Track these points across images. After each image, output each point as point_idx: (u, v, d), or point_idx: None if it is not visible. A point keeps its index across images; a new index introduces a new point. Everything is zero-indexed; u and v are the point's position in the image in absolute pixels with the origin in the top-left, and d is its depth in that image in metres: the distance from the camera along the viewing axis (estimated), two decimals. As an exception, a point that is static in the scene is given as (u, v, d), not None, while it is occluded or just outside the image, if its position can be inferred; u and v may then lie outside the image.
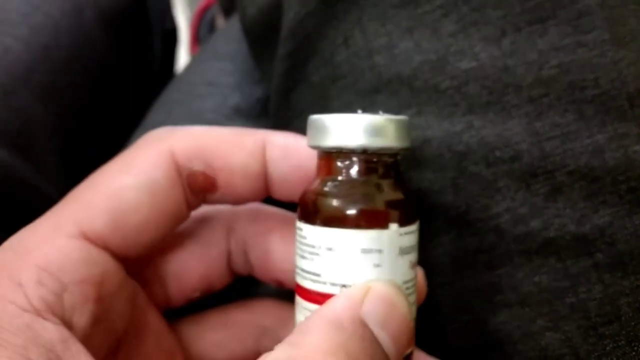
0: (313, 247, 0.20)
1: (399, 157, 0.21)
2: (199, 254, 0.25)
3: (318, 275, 0.20)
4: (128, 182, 0.21)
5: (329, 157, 0.21)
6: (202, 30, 0.73)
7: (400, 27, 0.25)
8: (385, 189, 0.20)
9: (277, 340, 0.19)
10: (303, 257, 0.20)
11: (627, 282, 0.22)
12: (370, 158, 0.20)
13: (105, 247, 0.21)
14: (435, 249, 0.25)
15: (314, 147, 0.21)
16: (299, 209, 0.21)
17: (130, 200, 0.21)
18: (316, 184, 0.21)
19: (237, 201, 0.24)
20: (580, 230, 0.22)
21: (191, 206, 0.23)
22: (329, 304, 0.18)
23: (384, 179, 0.20)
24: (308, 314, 0.20)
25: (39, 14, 0.38)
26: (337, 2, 0.27)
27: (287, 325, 0.25)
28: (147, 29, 0.53)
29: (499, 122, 0.23)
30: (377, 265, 0.19)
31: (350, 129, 0.20)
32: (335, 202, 0.20)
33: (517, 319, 0.23)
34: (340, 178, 0.20)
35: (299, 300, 0.21)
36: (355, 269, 0.19)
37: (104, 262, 0.21)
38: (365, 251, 0.19)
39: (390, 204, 0.20)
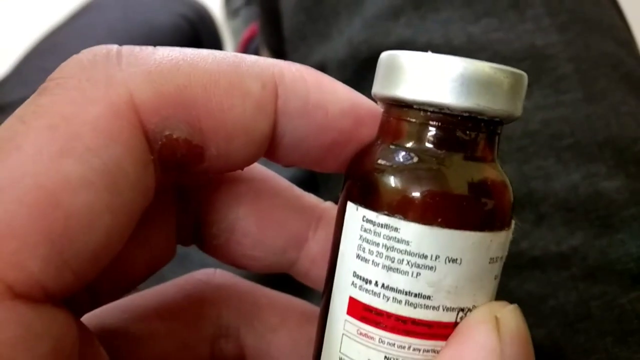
0: (424, 257, 0.14)
1: (500, 131, 0.16)
2: (143, 236, 0.18)
3: (427, 298, 0.14)
4: (70, 173, 0.13)
5: (429, 118, 0.15)
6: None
7: None
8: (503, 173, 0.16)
9: (239, 343, 0.17)
10: (394, 269, 0.14)
11: (596, 289, 0.28)
12: (489, 124, 0.15)
13: (47, 298, 0.13)
14: None
15: (387, 100, 0.16)
16: (370, 190, 0.15)
17: (79, 210, 0.13)
18: (408, 154, 0.15)
19: (225, 171, 0.18)
20: (559, 249, 0.29)
21: (158, 185, 0.16)
22: (461, 356, 0.14)
23: (492, 160, 0.16)
24: (393, 352, 0.14)
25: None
26: None
27: (252, 322, 0.20)
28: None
29: None
30: (496, 278, 0.15)
31: (456, 78, 0.14)
32: (479, 184, 0.15)
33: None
34: (437, 151, 0.15)
35: (364, 329, 0.15)
36: (482, 286, 0.15)
37: (51, 323, 0.13)
38: (492, 261, 0.15)
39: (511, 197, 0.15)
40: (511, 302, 0.29)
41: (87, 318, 0.18)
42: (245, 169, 0.18)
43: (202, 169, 0.16)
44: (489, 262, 0.15)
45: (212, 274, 0.21)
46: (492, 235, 0.14)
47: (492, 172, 0.15)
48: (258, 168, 0.19)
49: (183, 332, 0.19)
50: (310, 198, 0.20)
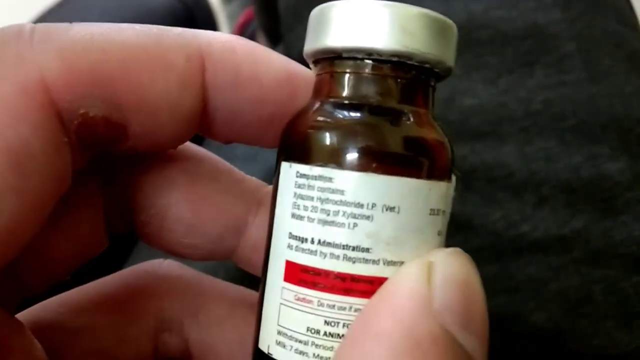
0: (360, 206, 0.13)
1: (433, 84, 0.16)
2: (67, 222, 0.17)
3: (366, 250, 0.14)
4: None
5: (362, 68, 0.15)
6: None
7: None
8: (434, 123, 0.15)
9: (183, 337, 0.16)
10: (330, 222, 0.14)
11: (598, 273, 0.28)
12: (418, 71, 0.15)
13: None
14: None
15: (318, 53, 0.15)
16: (304, 147, 0.15)
17: None
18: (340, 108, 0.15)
19: (155, 150, 0.17)
20: (561, 232, 0.28)
21: (78, 166, 0.15)
22: (385, 310, 0.13)
23: (426, 112, 0.15)
24: (333, 315, 0.14)
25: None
26: None
27: (197, 315, 0.19)
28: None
29: (496, 147, 0.29)
30: (440, 234, 0.15)
31: (383, 22, 0.14)
32: (412, 134, 0.14)
33: (512, 302, 0.29)
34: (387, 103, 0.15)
35: (302, 293, 0.14)
36: (424, 239, 0.14)
37: None
38: (433, 212, 0.14)
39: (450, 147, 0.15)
40: (512, 286, 0.29)
41: (24, 313, 0.17)
42: (179, 149, 0.17)
43: (127, 148, 0.15)
44: (430, 214, 0.14)
45: (158, 265, 0.20)
46: (430, 184, 0.14)
47: (426, 122, 0.15)
48: (194, 149, 0.18)
49: (122, 326, 0.18)
50: (251, 182, 0.19)
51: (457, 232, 0.30)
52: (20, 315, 0.17)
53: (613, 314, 0.27)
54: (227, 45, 0.15)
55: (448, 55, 0.15)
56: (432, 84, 0.16)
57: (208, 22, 0.73)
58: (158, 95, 0.15)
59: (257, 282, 0.18)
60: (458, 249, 0.14)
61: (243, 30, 0.80)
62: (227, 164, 0.19)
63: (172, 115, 0.15)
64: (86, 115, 0.14)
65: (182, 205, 0.18)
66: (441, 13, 0.15)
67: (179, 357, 0.19)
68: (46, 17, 0.61)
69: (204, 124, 0.16)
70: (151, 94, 0.14)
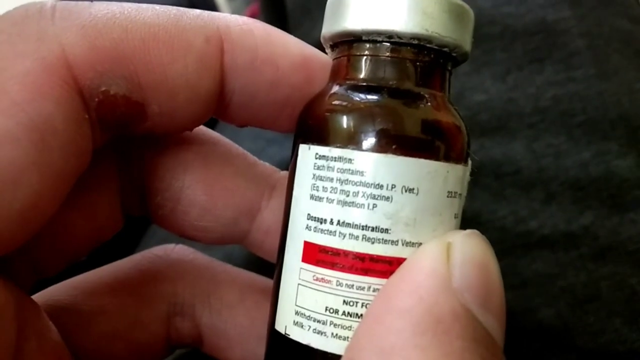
0: (380, 187, 0.13)
1: (450, 68, 0.16)
2: (84, 202, 0.17)
3: (385, 231, 0.14)
4: None
5: (374, 49, 0.15)
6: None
7: None
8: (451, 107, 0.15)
9: (195, 321, 0.16)
10: (349, 203, 0.14)
11: (606, 269, 0.28)
12: (437, 54, 0.15)
13: None
14: None
15: (336, 37, 0.15)
16: (323, 129, 0.15)
17: (2, 165, 0.12)
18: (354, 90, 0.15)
19: (172, 132, 0.17)
20: (569, 229, 0.28)
21: (97, 145, 0.15)
22: (406, 287, 0.12)
23: (443, 95, 0.15)
24: (352, 295, 0.14)
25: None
26: None
27: (208, 299, 0.19)
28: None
29: (505, 143, 0.29)
30: (456, 217, 0.15)
31: (402, 5, 0.14)
32: (430, 117, 0.14)
33: (519, 298, 0.29)
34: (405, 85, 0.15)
35: (320, 273, 0.14)
36: (441, 221, 0.14)
37: None
38: (450, 195, 0.14)
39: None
40: (519, 282, 0.29)
41: (39, 295, 0.17)
42: (195, 132, 0.17)
43: (145, 128, 0.15)
44: (447, 196, 0.14)
45: (170, 250, 0.20)
46: (448, 166, 0.14)
47: (444, 105, 0.15)
48: (209, 133, 0.18)
49: (135, 309, 0.18)
50: (265, 166, 0.19)
51: (465, 227, 0.30)
52: (34, 297, 0.16)
53: (620, 311, 0.27)
54: (244, 28, 0.15)
55: (465, 40, 0.15)
56: (449, 68, 0.16)
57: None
58: (177, 76, 0.15)
59: (265, 269, 0.18)
60: (475, 231, 0.14)
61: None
62: (241, 149, 0.19)
63: (190, 96, 0.15)
64: (107, 93, 0.14)
65: (196, 188, 0.17)
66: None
67: (191, 342, 0.19)
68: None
69: (220, 106, 0.16)
70: (170, 74, 0.14)
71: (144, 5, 0.15)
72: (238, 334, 0.19)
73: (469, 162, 0.15)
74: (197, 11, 0.15)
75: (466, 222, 0.30)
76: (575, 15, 0.30)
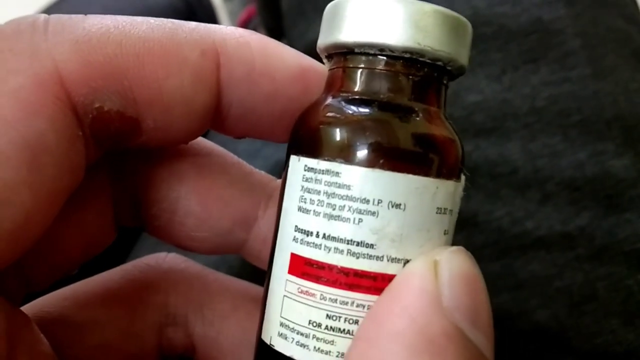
0: (366, 201, 0.13)
1: (446, 82, 0.15)
2: (76, 217, 0.17)
3: (371, 246, 0.13)
4: None
5: (371, 63, 0.15)
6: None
7: None
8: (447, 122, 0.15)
9: (187, 332, 0.16)
10: (335, 217, 0.14)
11: (602, 270, 0.28)
12: (431, 68, 0.15)
13: None
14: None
15: (330, 48, 0.15)
16: (313, 141, 0.14)
17: None
18: (349, 103, 0.14)
19: (167, 145, 0.17)
20: (565, 229, 0.28)
21: (91, 161, 0.15)
22: (396, 308, 0.12)
23: (437, 110, 0.15)
24: (336, 309, 0.14)
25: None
26: None
27: (201, 309, 0.19)
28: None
29: (500, 144, 0.29)
30: (446, 233, 0.14)
31: (396, 19, 0.14)
32: (422, 131, 0.14)
33: (515, 299, 0.29)
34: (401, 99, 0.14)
35: (305, 286, 0.14)
36: (429, 237, 0.14)
37: None
38: (440, 211, 0.14)
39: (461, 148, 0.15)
40: (516, 283, 0.29)
41: (29, 306, 0.17)
42: (190, 143, 0.17)
43: (140, 143, 0.15)
44: (436, 212, 0.14)
45: (161, 259, 0.20)
46: (438, 182, 0.14)
47: (437, 120, 0.15)
48: (204, 143, 0.18)
49: (126, 320, 0.18)
50: (261, 175, 0.19)
51: (461, 228, 0.30)
52: (24, 309, 0.16)
53: (617, 311, 0.27)
54: (241, 41, 0.15)
55: (461, 53, 0.15)
56: (445, 81, 0.15)
57: (209, 19, 0.72)
58: (172, 90, 0.14)
59: (259, 277, 0.18)
60: (461, 248, 0.14)
61: (244, 28, 0.80)
62: (237, 158, 0.19)
63: (186, 111, 0.15)
64: (101, 109, 0.14)
65: (192, 199, 0.17)
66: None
67: (183, 352, 0.19)
68: (49, 11, 0.61)
69: (217, 119, 0.16)
70: (166, 89, 0.14)
71: (139, 19, 0.15)
72: (231, 344, 0.19)
73: (462, 177, 0.15)
74: (193, 24, 0.15)
75: (462, 223, 0.30)
76: (570, 14, 0.30)
